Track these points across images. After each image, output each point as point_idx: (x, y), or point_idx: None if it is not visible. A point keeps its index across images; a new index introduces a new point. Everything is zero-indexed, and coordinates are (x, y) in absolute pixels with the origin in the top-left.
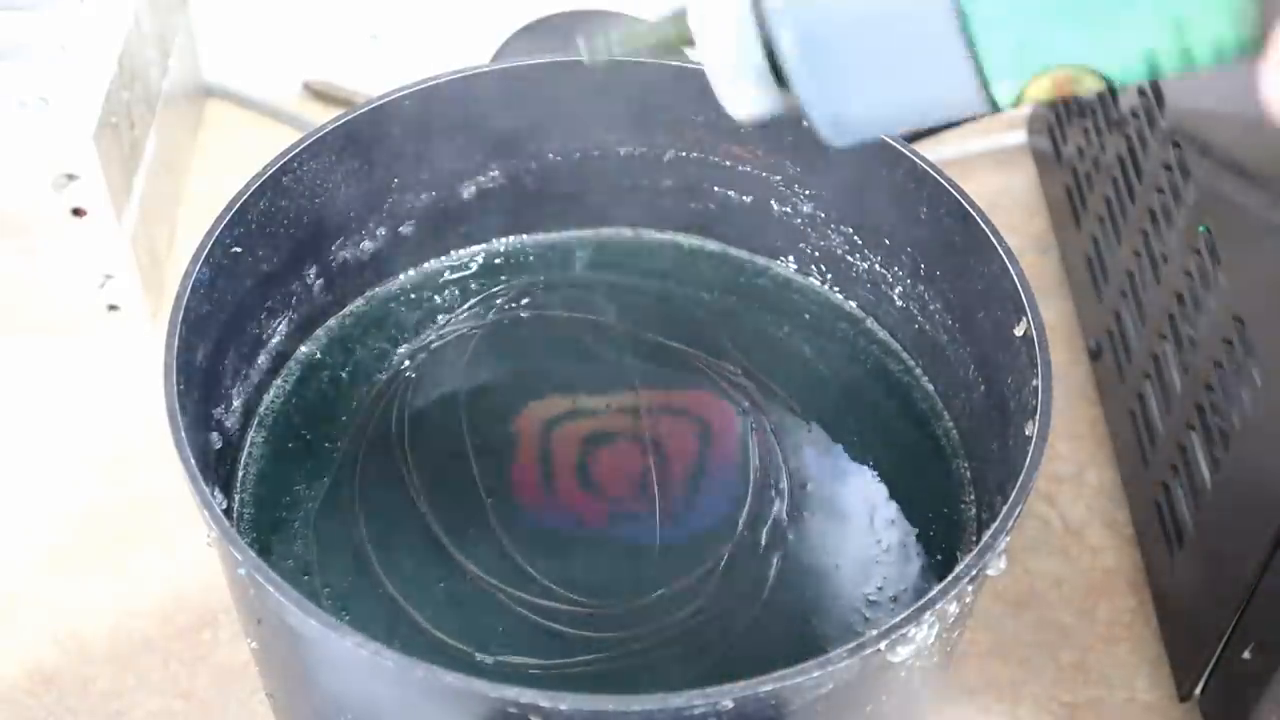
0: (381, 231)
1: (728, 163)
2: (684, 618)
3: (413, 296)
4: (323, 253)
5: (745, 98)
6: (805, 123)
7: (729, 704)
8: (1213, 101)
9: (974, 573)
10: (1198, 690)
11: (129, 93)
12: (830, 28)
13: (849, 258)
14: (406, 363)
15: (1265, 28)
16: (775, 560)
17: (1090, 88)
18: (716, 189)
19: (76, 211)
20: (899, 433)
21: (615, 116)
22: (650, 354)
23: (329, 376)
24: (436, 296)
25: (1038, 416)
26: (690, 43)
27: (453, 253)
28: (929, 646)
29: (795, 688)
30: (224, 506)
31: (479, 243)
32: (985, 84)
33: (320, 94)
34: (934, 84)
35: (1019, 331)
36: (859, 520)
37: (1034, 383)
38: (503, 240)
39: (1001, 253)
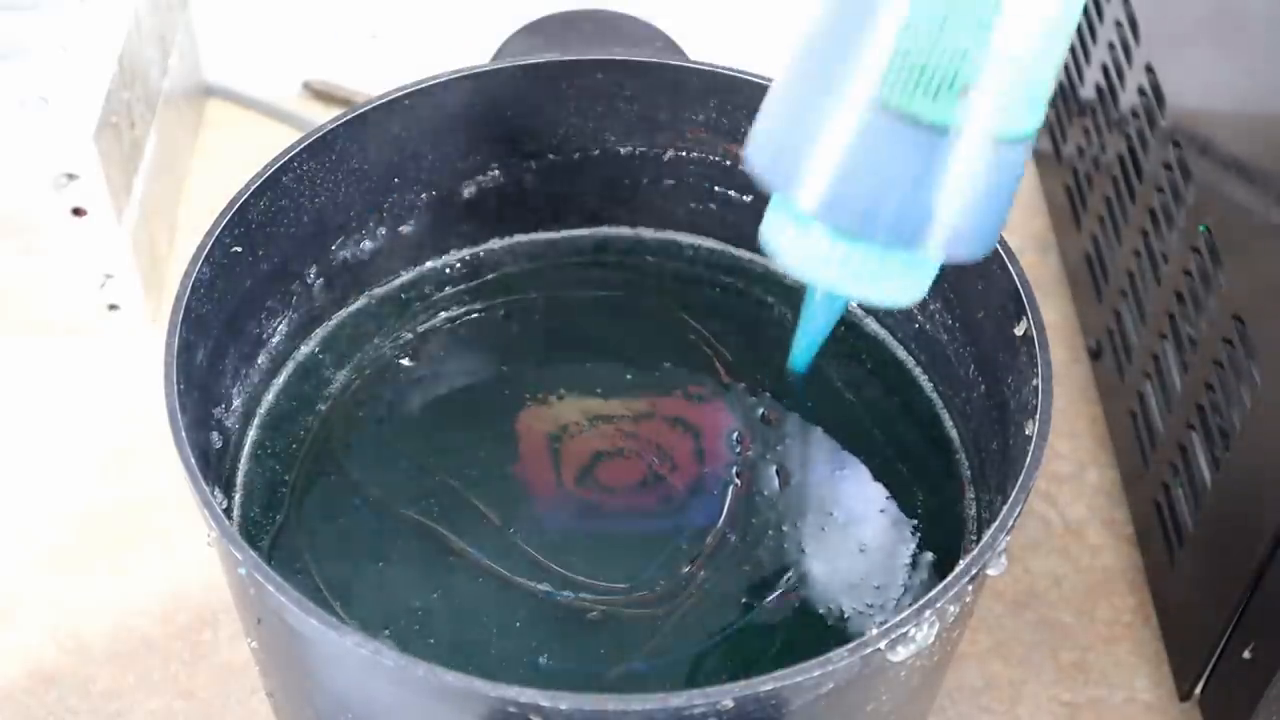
0: (381, 231)
1: (728, 163)
2: (664, 615)
3: (413, 296)
4: (323, 253)
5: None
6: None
7: (729, 703)
8: (1213, 101)
9: (974, 573)
10: (1198, 690)
11: (129, 92)
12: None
13: None
14: (407, 362)
15: None
16: (774, 560)
17: None
18: (716, 189)
19: (76, 211)
20: (899, 432)
21: (615, 116)
22: (650, 353)
23: (329, 376)
24: (436, 296)
25: (1038, 416)
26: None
27: (452, 252)
28: (929, 646)
29: (795, 687)
30: (224, 506)
31: (478, 243)
32: None
33: (320, 94)
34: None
35: (1019, 331)
36: (859, 520)
37: (1034, 382)
38: (502, 240)
39: (1001, 252)
